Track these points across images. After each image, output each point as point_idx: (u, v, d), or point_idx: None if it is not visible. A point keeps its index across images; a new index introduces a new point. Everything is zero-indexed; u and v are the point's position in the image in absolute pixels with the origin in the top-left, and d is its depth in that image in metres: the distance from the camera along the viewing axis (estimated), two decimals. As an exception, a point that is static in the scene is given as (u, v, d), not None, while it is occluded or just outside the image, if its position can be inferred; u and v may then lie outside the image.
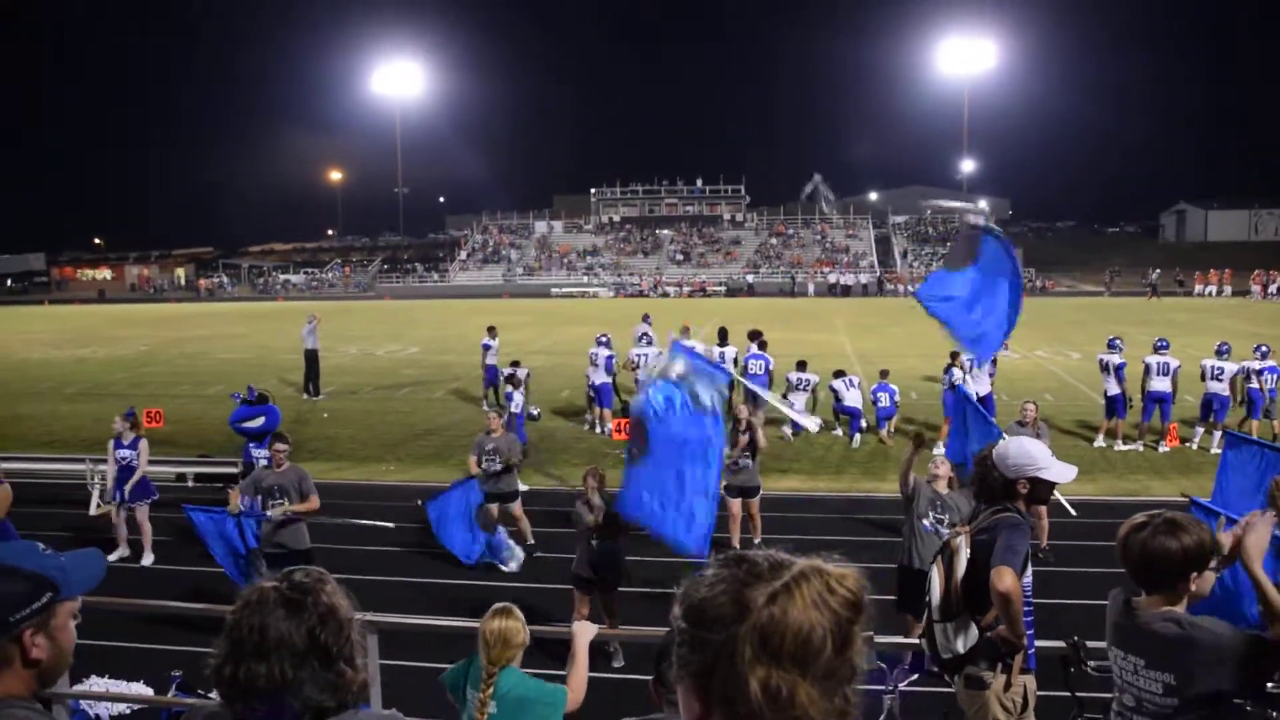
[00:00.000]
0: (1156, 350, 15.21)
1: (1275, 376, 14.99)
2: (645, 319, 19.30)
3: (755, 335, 16.95)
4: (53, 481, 13.43)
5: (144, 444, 10.72)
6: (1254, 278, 55.23)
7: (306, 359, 21.45)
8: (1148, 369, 15.03)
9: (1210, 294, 55.08)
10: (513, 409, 13.95)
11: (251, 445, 11.21)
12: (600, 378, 17.02)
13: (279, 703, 1.77)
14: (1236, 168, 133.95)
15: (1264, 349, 15.46)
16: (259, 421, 11.12)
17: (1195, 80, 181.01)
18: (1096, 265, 72.32)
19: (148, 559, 10.64)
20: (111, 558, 10.42)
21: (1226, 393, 14.88)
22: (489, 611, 4.45)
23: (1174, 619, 3.08)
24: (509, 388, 14.73)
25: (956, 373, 15.19)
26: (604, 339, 17.43)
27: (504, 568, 10.11)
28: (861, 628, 1.28)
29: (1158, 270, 56.81)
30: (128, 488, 10.56)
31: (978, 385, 15.25)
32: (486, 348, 19.43)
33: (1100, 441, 15.32)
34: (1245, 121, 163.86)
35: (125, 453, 10.61)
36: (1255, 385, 14.97)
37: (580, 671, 4.57)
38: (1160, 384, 14.90)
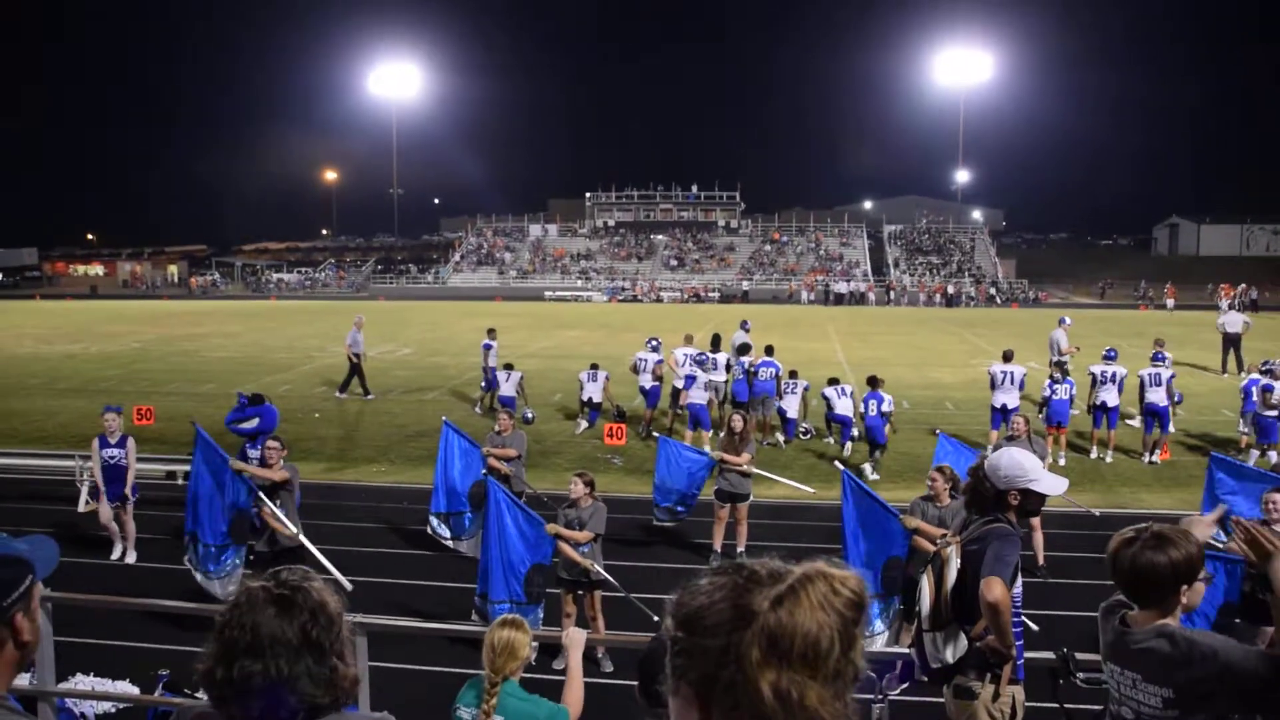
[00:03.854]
0: (1153, 362, 15.28)
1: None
2: (744, 326, 18.95)
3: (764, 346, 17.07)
4: (41, 478, 13.35)
5: (132, 442, 10.64)
6: (1168, 290, 55.10)
7: (355, 360, 21.08)
8: (1142, 382, 15.04)
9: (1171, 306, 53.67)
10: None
11: (247, 446, 11.18)
12: (589, 394, 17.32)
13: (275, 700, 1.77)
14: (1229, 183, 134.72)
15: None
16: (253, 422, 11.16)
17: (1190, 95, 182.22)
18: (1088, 277, 72.61)
19: (130, 557, 10.59)
20: (112, 557, 10.54)
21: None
22: (496, 620, 4.46)
23: (1168, 634, 3.00)
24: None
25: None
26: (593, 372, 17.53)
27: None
28: (862, 629, 1.30)
29: (1144, 282, 57.01)
30: (127, 489, 10.49)
31: (1007, 396, 15.35)
32: (487, 348, 19.29)
33: (1099, 454, 15.30)
34: (1239, 136, 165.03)
35: (114, 451, 10.48)
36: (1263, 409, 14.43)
37: (577, 689, 4.56)
38: (1154, 396, 14.90)
